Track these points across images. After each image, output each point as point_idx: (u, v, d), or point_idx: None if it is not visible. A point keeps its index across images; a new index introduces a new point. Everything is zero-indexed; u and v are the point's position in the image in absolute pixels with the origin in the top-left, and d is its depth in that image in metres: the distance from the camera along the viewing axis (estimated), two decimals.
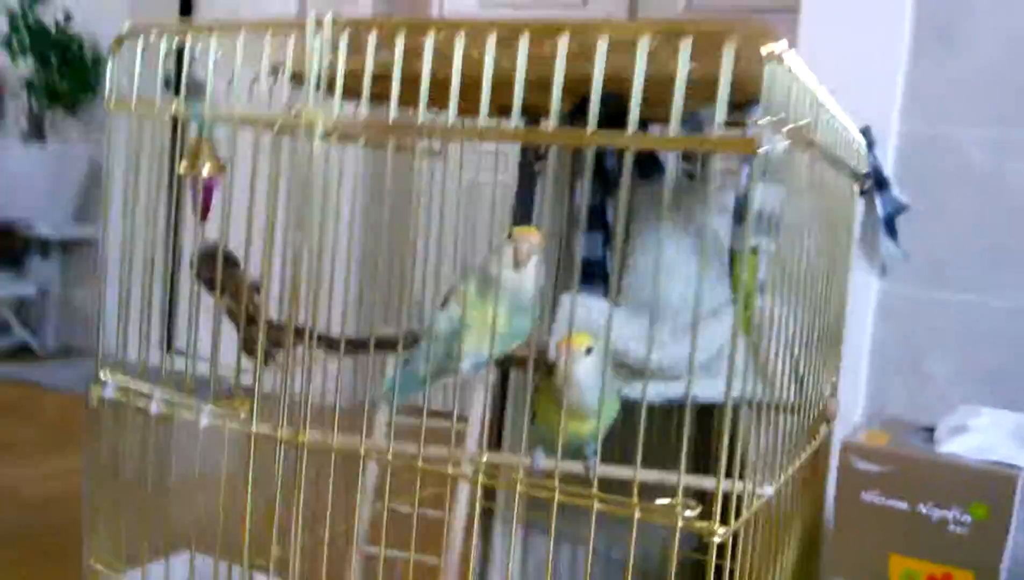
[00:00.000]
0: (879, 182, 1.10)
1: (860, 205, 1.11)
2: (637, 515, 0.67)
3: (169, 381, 0.87)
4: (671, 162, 1.18)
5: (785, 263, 0.97)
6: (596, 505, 0.68)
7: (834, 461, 0.96)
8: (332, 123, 0.75)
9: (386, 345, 1.01)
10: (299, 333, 0.98)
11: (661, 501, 0.67)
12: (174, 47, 0.83)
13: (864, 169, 1.09)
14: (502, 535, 1.34)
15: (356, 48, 0.74)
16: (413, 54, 0.72)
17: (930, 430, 0.95)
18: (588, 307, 1.01)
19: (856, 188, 1.07)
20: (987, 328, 1.10)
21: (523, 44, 0.68)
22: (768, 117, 0.63)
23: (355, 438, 0.78)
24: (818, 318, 1.04)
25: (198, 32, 0.82)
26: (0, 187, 2.75)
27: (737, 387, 0.85)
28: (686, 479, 0.76)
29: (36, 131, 2.87)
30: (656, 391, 0.99)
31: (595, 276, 1.05)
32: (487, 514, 1.37)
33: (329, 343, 0.97)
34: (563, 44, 0.67)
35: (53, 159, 2.83)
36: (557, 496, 0.70)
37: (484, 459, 0.77)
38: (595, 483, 0.75)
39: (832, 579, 0.90)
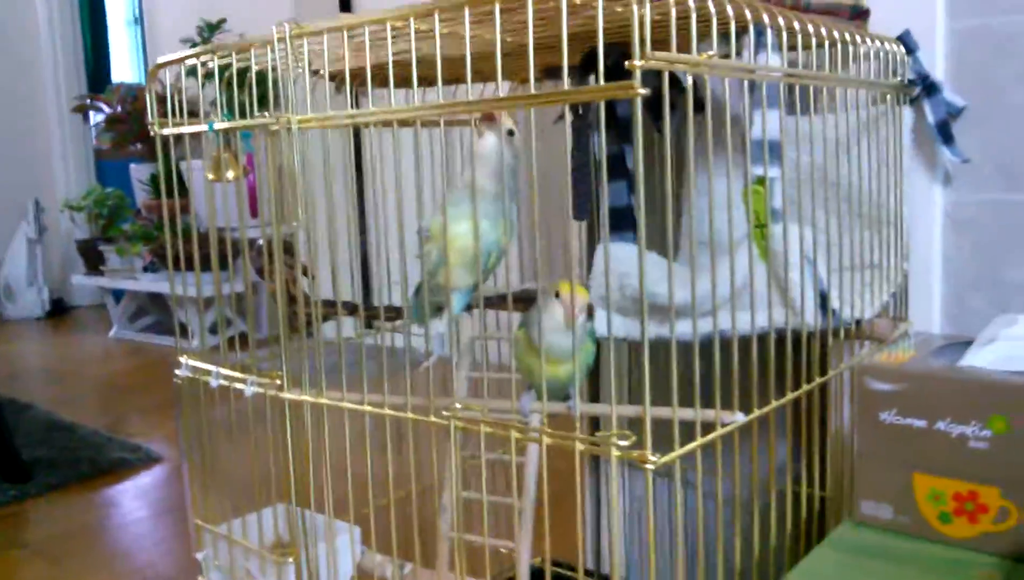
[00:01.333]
0: (927, 88, 1.03)
1: (909, 114, 1.05)
2: (580, 447, 0.71)
3: (234, 361, 1.00)
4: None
5: (798, 186, 0.95)
6: (545, 440, 0.73)
7: None
8: (303, 120, 0.84)
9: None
10: (353, 308, 1.09)
11: (601, 434, 0.70)
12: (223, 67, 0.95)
13: (905, 77, 1.03)
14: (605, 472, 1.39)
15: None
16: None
17: (970, 343, 0.90)
18: (617, 254, 1.04)
19: (893, 97, 1.02)
20: None
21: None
22: (640, 60, 0.64)
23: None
24: (860, 237, 1.01)
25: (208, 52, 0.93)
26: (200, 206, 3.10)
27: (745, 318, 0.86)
28: (627, 410, 0.80)
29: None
30: (687, 329, 1.00)
31: (624, 223, 1.07)
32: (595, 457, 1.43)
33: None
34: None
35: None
36: (544, 439, 0.75)
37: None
38: (577, 423, 0.79)
39: (862, 502, 0.88)
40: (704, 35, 0.83)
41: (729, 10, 0.81)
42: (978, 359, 0.83)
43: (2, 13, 4.39)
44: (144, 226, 3.63)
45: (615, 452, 0.69)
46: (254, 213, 1.02)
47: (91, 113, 3.82)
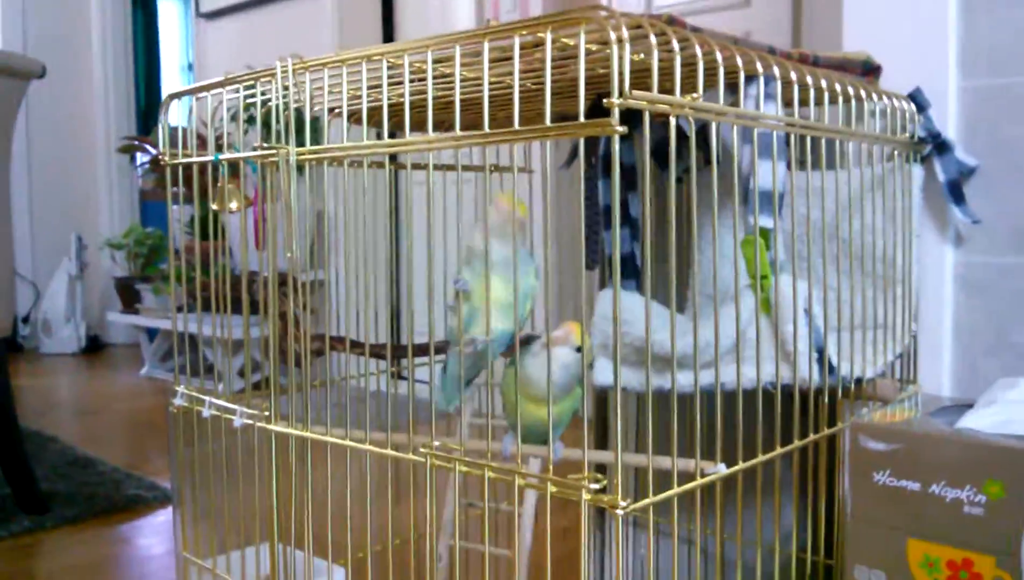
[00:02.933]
0: (938, 146, 1.02)
1: (919, 172, 1.03)
2: (552, 490, 0.70)
3: (229, 393, 1.00)
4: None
5: (795, 241, 0.94)
6: (519, 481, 0.72)
7: None
8: (301, 152, 0.85)
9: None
10: (340, 341, 1.09)
11: (573, 476, 0.69)
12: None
13: (916, 135, 1.02)
14: (611, 529, 1.36)
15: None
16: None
17: (971, 406, 0.87)
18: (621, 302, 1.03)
19: (903, 155, 1.00)
20: None
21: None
22: (619, 99, 0.64)
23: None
24: (867, 295, 0.99)
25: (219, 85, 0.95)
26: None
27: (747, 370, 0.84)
28: (597, 456, 0.78)
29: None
30: (686, 380, 0.99)
31: (626, 271, 1.06)
32: (600, 510, 1.40)
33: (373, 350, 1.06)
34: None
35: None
36: (517, 481, 0.74)
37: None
38: (551, 467, 0.78)
39: (855, 567, 0.85)
40: (710, 84, 0.83)
41: (738, 59, 0.81)
42: (976, 422, 0.80)
43: (59, 53, 4.55)
44: (180, 266, 3.70)
45: (585, 495, 0.67)
46: (258, 245, 1.03)
47: (137, 154, 3.92)
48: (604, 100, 0.64)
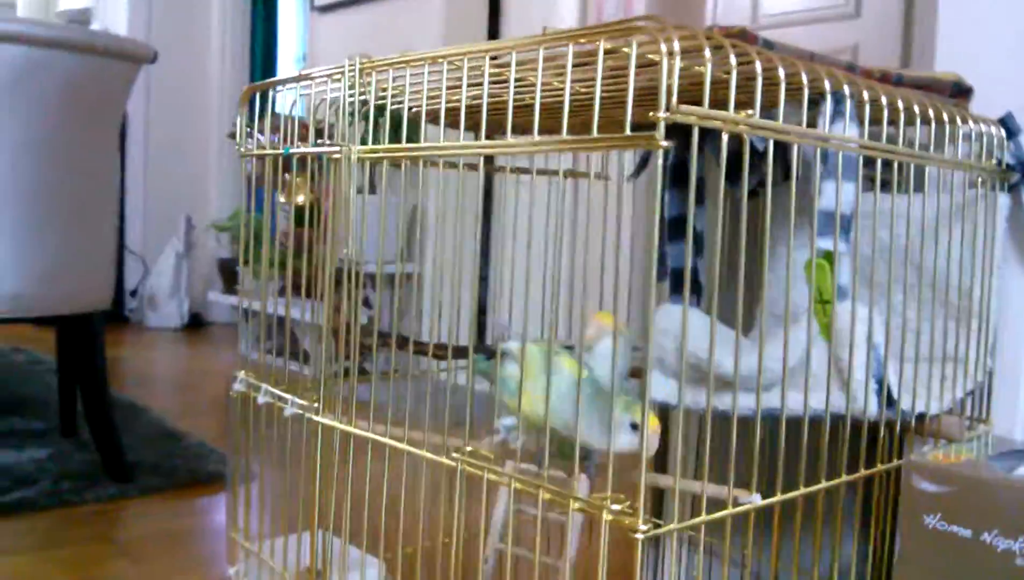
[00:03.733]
0: None
1: (1005, 201, 0.98)
2: (575, 507, 0.69)
3: (289, 380, 1.02)
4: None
5: (860, 265, 0.90)
6: (542, 494, 0.71)
7: None
8: (362, 152, 0.87)
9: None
10: (403, 341, 1.10)
11: (597, 495, 0.68)
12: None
13: (1004, 161, 0.96)
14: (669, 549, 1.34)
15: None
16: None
17: None
18: (675, 316, 1.01)
19: (989, 182, 0.95)
20: None
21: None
22: (666, 113, 0.62)
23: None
24: (939, 326, 0.95)
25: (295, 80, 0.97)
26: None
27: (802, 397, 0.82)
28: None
29: (368, 185, 3.33)
30: (745, 402, 0.96)
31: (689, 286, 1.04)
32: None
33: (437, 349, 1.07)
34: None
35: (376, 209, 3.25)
36: (542, 494, 0.73)
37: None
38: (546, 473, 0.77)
39: None
40: (771, 102, 0.81)
41: (803, 76, 0.79)
42: None
43: (181, 42, 4.74)
44: (280, 251, 3.81)
45: (606, 516, 0.66)
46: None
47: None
48: (651, 113, 0.62)
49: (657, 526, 0.65)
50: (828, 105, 0.85)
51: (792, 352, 0.96)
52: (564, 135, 0.69)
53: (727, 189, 1.06)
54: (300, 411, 0.95)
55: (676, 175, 1.03)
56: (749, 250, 1.15)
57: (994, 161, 0.95)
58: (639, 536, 0.65)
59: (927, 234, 0.96)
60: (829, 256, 0.91)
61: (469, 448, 0.78)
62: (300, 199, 0.99)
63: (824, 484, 0.80)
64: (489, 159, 1.06)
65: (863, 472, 0.84)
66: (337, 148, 0.89)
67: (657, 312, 1.05)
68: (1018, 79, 0.99)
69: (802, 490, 0.77)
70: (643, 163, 1.09)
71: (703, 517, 0.69)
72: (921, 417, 0.90)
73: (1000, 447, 0.86)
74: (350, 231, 0.89)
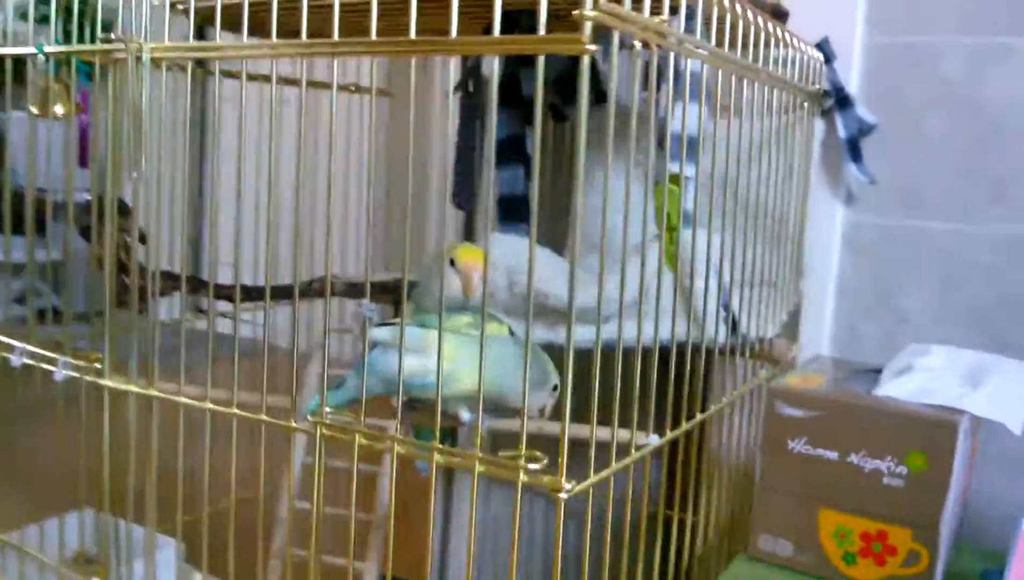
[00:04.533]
0: (840, 101, 0.99)
1: (820, 126, 1.00)
2: (479, 469, 0.60)
3: (43, 336, 0.82)
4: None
5: (724, 186, 0.88)
6: (437, 458, 0.61)
7: None
8: (158, 49, 0.69)
9: (283, 294, 0.95)
10: (198, 283, 0.93)
11: (504, 453, 0.59)
12: None
13: (821, 87, 0.98)
14: (460, 490, 1.29)
15: None
16: None
17: (880, 372, 0.86)
18: (507, 246, 0.93)
19: (808, 107, 0.96)
20: (967, 259, 0.98)
21: None
22: (593, 11, 0.53)
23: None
24: (764, 250, 0.95)
25: None
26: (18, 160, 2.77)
27: (651, 328, 0.77)
28: (534, 427, 0.69)
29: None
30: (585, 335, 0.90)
31: (518, 214, 0.97)
32: (449, 470, 1.32)
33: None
34: None
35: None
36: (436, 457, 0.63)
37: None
38: (478, 439, 0.68)
39: (759, 536, 0.82)
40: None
41: None
42: (895, 390, 0.78)
43: None
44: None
45: (523, 477, 0.58)
46: (83, 163, 0.85)
47: None
48: (574, 12, 0.53)
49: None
50: (682, 17, 0.80)
51: (636, 283, 0.93)
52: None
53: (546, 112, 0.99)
54: (75, 374, 0.77)
55: (505, 93, 0.94)
56: (568, 176, 1.10)
57: (814, 86, 0.96)
58: (563, 496, 0.57)
59: (749, 159, 0.95)
60: (676, 180, 0.88)
61: (329, 411, 0.66)
62: (59, 110, 0.79)
63: (700, 417, 0.77)
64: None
65: (724, 401, 0.83)
66: (121, 46, 0.71)
67: (490, 242, 0.96)
68: (832, 6, 1.01)
69: (684, 426, 0.74)
70: (469, 76, 0.99)
71: (613, 467, 0.63)
72: (758, 342, 0.91)
73: (844, 369, 0.88)
74: (143, 151, 0.71)
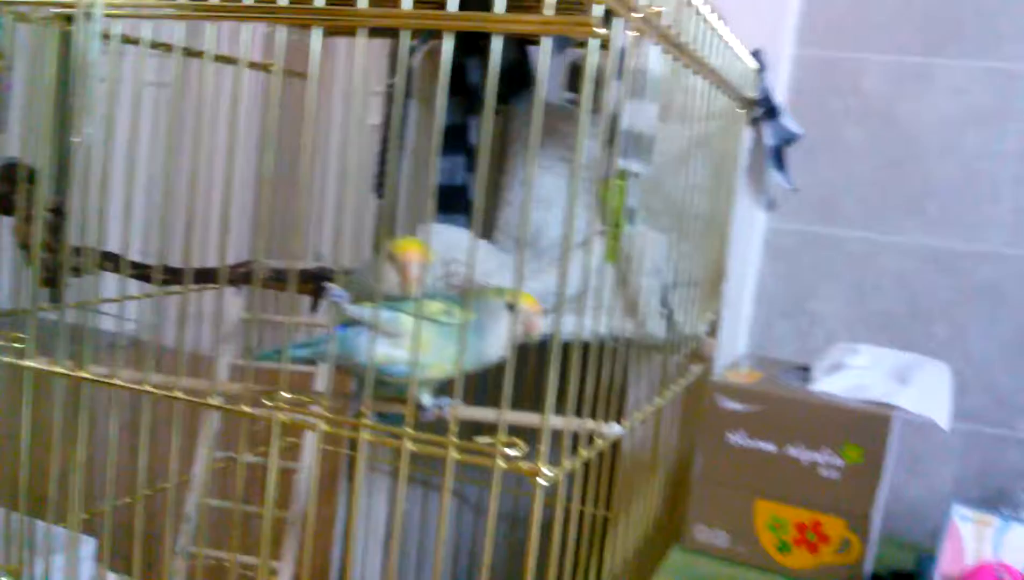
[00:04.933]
0: (769, 110, 1.02)
1: (748, 134, 1.03)
2: (455, 456, 0.59)
3: None
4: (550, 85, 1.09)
5: (657, 187, 0.89)
6: (408, 446, 0.60)
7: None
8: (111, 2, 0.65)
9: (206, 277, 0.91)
10: (110, 259, 0.87)
11: (481, 439, 0.58)
12: None
13: (753, 95, 1.01)
14: (365, 483, 1.26)
15: None
16: None
17: (807, 369, 0.89)
18: (446, 237, 0.92)
19: (743, 114, 1.00)
20: (878, 266, 1.03)
21: None
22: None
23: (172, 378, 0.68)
24: (693, 251, 0.97)
25: None
26: None
27: (590, 321, 0.77)
28: (517, 418, 0.69)
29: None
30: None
31: (456, 204, 0.96)
32: (351, 464, 1.29)
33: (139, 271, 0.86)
34: None
35: None
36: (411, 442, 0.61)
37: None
38: (454, 426, 0.67)
39: (694, 526, 0.83)
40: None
41: None
42: (831, 385, 0.81)
43: None
44: None
45: (501, 463, 0.57)
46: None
47: None
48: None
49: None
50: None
51: (577, 277, 0.93)
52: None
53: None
54: None
55: (457, 79, 0.93)
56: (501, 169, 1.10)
57: (751, 94, 0.99)
58: (542, 482, 0.57)
59: (683, 161, 0.98)
60: (623, 177, 0.89)
61: (287, 395, 0.63)
62: None
63: (656, 406, 0.78)
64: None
65: (672, 390, 0.84)
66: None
67: (429, 232, 0.95)
68: (764, 17, 1.04)
69: (644, 413, 0.75)
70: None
71: (586, 454, 0.63)
72: (688, 339, 0.93)
73: (772, 366, 0.91)
74: (90, 112, 0.67)
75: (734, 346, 1.08)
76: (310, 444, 1.06)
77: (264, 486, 0.65)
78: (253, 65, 1.12)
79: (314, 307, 1.07)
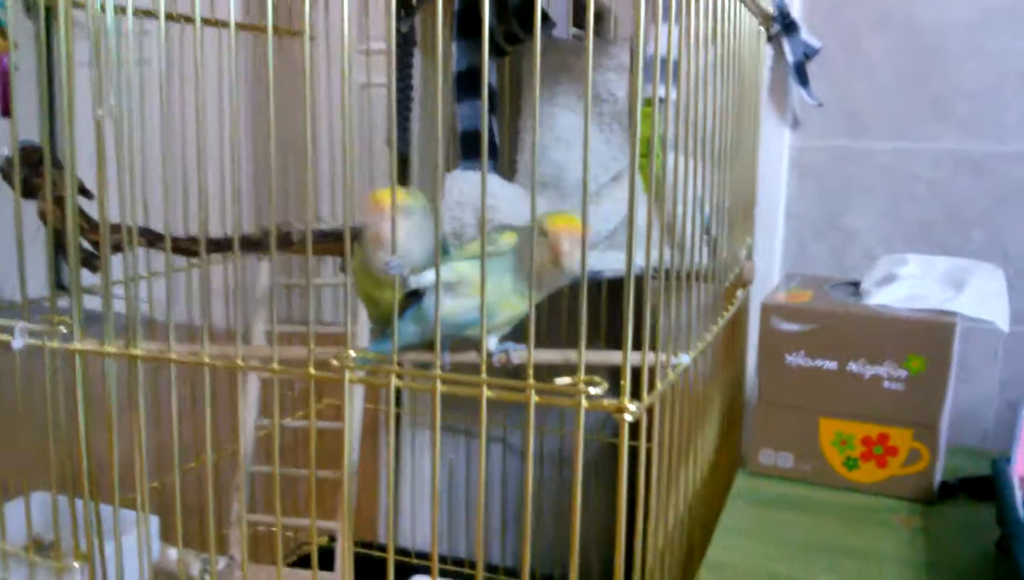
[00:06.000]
0: (787, 25, 1.00)
1: (768, 51, 1.01)
2: (535, 399, 0.58)
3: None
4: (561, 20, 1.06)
5: (688, 112, 0.87)
6: (487, 392, 0.59)
7: (754, 326, 0.88)
8: None
9: (253, 245, 0.89)
10: (145, 235, 0.86)
11: (561, 380, 0.57)
12: None
13: (771, 10, 0.98)
14: (410, 438, 1.26)
15: None
16: None
17: (855, 284, 0.88)
18: (472, 182, 0.90)
19: (763, 31, 0.97)
20: (911, 175, 1.02)
21: None
22: None
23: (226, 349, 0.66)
24: (728, 175, 0.95)
25: None
26: None
27: (641, 254, 0.76)
28: (589, 357, 0.68)
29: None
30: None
31: (480, 149, 0.94)
32: (397, 419, 1.28)
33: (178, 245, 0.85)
34: None
35: None
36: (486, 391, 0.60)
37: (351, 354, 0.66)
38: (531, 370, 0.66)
39: (761, 451, 0.83)
40: None
41: None
42: (885, 298, 0.80)
43: None
44: None
45: (584, 403, 0.56)
46: (6, 111, 0.76)
47: None
48: None
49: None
50: None
51: (617, 213, 0.92)
52: None
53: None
54: (36, 341, 0.69)
55: (464, 23, 0.90)
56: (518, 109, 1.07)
57: (770, 9, 0.97)
58: (628, 418, 0.56)
59: (713, 83, 0.96)
60: (650, 104, 0.87)
61: (353, 354, 0.62)
62: None
63: (713, 333, 0.77)
64: None
65: (726, 318, 0.83)
66: None
67: (448, 179, 0.93)
68: None
69: (705, 343, 0.73)
70: (404, 9, 0.94)
71: (659, 387, 0.62)
72: (732, 265, 0.91)
73: (821, 283, 0.90)
74: (106, 97, 0.64)
75: (770, 270, 1.07)
76: (357, 400, 1.05)
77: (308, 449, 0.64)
78: (241, 27, 1.09)
79: (343, 267, 1.05)
